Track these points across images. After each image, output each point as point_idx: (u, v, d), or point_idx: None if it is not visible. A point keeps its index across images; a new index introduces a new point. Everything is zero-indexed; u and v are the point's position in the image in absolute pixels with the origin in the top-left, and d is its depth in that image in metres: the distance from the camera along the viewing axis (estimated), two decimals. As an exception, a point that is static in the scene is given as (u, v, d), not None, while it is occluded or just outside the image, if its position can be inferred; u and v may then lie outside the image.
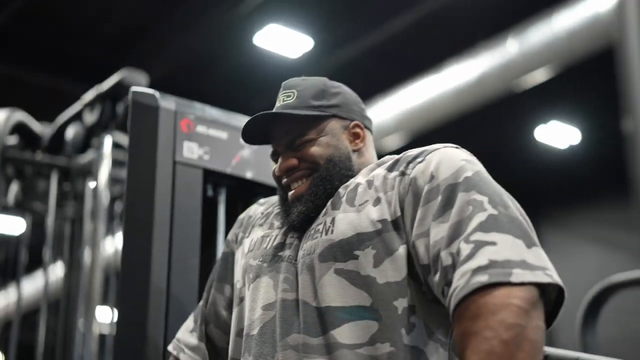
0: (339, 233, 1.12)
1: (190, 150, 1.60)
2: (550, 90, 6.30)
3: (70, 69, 7.06)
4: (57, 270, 3.77)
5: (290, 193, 1.23)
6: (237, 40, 6.55)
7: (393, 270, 1.08)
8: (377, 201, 1.13)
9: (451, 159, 1.10)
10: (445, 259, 1.00)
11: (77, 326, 3.24)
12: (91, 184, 3.17)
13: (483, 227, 0.99)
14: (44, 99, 7.53)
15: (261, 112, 1.23)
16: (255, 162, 1.70)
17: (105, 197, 3.10)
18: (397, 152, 1.21)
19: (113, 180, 3.16)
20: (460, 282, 0.96)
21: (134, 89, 1.62)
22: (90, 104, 2.99)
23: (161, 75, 7.05)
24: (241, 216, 1.40)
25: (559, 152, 8.10)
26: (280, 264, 1.18)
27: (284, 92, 1.28)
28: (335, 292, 1.09)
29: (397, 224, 1.11)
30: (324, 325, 1.08)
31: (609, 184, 7.87)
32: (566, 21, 4.98)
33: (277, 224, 1.26)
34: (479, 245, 0.97)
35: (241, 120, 1.74)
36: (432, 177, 1.09)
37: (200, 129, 1.64)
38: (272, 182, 1.35)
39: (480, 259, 0.96)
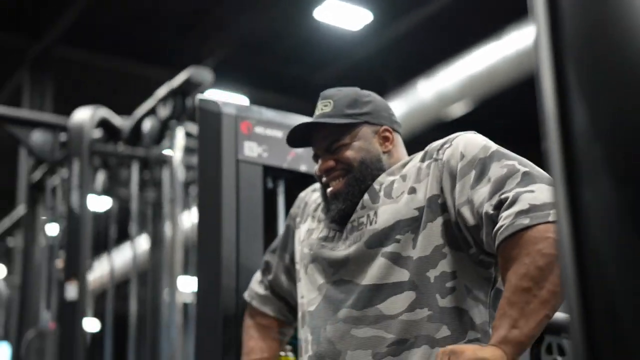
0: (382, 222, 1.30)
1: (251, 149, 1.80)
2: None
3: (138, 51, 7.31)
4: (142, 244, 4.10)
5: (328, 190, 1.41)
6: (298, 15, 6.66)
7: (425, 246, 1.26)
8: (412, 190, 1.30)
9: (474, 141, 1.28)
10: (490, 210, 1.18)
11: (163, 296, 3.57)
12: (167, 171, 3.47)
13: (520, 180, 1.18)
14: (116, 82, 7.91)
15: (303, 122, 1.43)
16: (308, 157, 1.88)
17: (180, 182, 3.39)
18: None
19: (186, 166, 3.45)
20: (506, 222, 1.14)
21: (200, 97, 1.82)
22: (163, 99, 3.26)
23: (226, 53, 7.28)
24: (302, 195, 1.59)
25: None
26: (327, 252, 1.37)
27: (322, 101, 1.45)
28: (380, 272, 1.28)
29: (432, 202, 1.28)
30: (370, 300, 1.27)
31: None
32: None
33: (322, 216, 1.45)
34: (519, 193, 1.15)
35: (294, 120, 1.92)
36: (463, 156, 1.26)
37: (258, 129, 1.83)
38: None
39: (522, 204, 1.13)
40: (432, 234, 1.27)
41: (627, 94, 0.50)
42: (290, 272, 1.54)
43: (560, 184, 0.52)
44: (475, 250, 1.26)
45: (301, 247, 1.46)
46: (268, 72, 7.79)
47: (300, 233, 1.50)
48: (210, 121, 1.79)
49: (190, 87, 3.11)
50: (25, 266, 3.89)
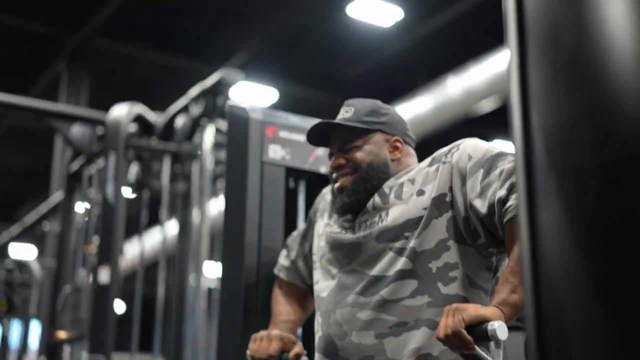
0: (392, 220, 1.42)
1: (275, 152, 1.93)
2: None
3: (173, 44, 7.42)
4: (171, 230, 4.25)
5: (336, 185, 1.54)
6: (331, 11, 6.74)
7: (429, 240, 1.38)
8: (421, 192, 1.42)
9: (479, 144, 1.41)
10: (503, 195, 1.29)
11: (189, 280, 3.72)
12: (197, 165, 3.62)
13: None
14: (151, 74, 8.06)
15: (323, 120, 1.55)
16: (328, 159, 2.01)
17: (208, 176, 3.54)
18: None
19: (215, 161, 3.59)
20: (515, 202, 1.25)
21: (230, 103, 1.95)
22: (196, 98, 3.41)
23: (258, 47, 7.38)
24: (324, 191, 1.71)
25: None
26: (339, 246, 1.49)
27: (345, 108, 1.58)
28: (387, 263, 1.40)
29: (439, 201, 1.39)
30: (376, 288, 1.40)
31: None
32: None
33: (334, 214, 1.57)
34: None
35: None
36: (470, 157, 1.38)
37: (283, 134, 1.95)
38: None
39: None
40: (436, 229, 1.38)
41: (577, 139, 0.61)
42: (307, 260, 1.68)
43: (523, 207, 0.64)
44: (485, 240, 1.36)
45: (318, 240, 1.59)
46: (299, 67, 7.88)
47: (320, 226, 1.62)
48: (238, 125, 1.92)
49: (221, 88, 3.26)
50: (61, 249, 4.08)
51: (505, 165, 1.33)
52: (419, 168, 1.48)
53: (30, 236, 7.07)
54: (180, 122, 3.55)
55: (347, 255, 1.47)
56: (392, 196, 1.46)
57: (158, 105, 4.01)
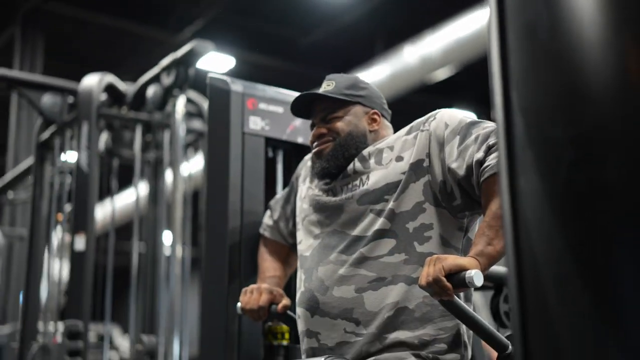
0: (372, 184, 1.51)
1: (255, 123, 1.99)
2: None
3: (128, 9, 7.24)
4: (142, 195, 4.22)
5: (314, 151, 1.62)
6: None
7: (406, 202, 1.47)
8: (399, 158, 1.51)
9: (455, 113, 1.51)
10: (480, 156, 1.39)
11: (161, 247, 3.76)
12: (168, 134, 3.64)
13: None
14: (106, 39, 7.87)
15: (306, 92, 1.63)
16: (305, 130, 2.06)
17: (180, 144, 3.57)
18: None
19: (187, 130, 3.62)
20: (492, 162, 1.36)
21: (210, 75, 2.00)
22: (167, 68, 3.41)
23: (215, 14, 7.25)
24: (305, 157, 1.78)
25: None
26: (322, 208, 1.57)
27: (326, 81, 1.66)
28: (367, 224, 1.49)
29: (417, 166, 1.48)
30: (357, 247, 1.48)
31: None
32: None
33: (315, 179, 1.65)
34: None
35: (294, 97, 2.11)
36: (447, 125, 1.48)
37: (262, 105, 2.01)
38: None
39: None
40: (414, 192, 1.47)
41: (551, 118, 0.71)
42: (288, 221, 1.76)
43: (504, 174, 0.73)
44: (460, 202, 1.45)
45: (301, 203, 1.67)
46: (256, 34, 7.81)
47: (302, 190, 1.70)
48: (220, 97, 1.97)
49: (192, 58, 3.27)
50: (34, 218, 4.07)
51: (480, 131, 1.43)
52: (397, 136, 1.56)
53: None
54: (151, 91, 3.56)
55: (330, 217, 1.55)
56: (372, 161, 1.54)
57: (113, 70, 3.94)
